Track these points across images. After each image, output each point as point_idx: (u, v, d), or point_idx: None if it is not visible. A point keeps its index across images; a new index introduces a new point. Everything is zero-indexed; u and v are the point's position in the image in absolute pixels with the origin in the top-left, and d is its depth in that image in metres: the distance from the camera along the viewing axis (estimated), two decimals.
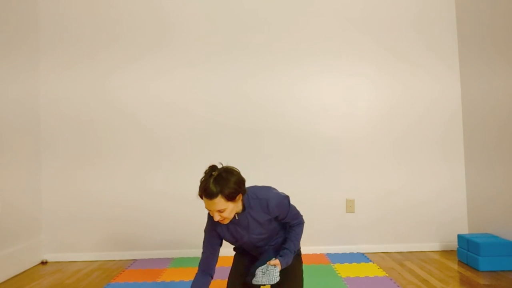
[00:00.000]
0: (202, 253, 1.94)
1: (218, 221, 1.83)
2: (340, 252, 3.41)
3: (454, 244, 3.42)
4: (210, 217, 1.95)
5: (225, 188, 1.70)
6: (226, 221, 1.80)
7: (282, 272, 1.91)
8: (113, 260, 3.34)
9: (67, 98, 3.43)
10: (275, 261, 1.87)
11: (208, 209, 1.76)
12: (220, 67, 3.47)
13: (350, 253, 3.39)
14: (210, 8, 3.49)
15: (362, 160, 3.47)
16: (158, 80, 3.46)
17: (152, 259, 3.34)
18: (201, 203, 3.36)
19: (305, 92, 3.48)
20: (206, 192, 1.70)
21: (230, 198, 1.72)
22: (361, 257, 3.23)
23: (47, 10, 3.45)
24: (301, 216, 2.01)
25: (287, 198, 1.93)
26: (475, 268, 2.85)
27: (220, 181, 1.70)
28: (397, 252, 3.39)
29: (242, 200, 1.83)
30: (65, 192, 3.39)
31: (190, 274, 2.86)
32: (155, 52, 3.47)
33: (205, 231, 1.96)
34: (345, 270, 2.87)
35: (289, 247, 1.94)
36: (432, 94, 3.51)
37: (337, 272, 2.84)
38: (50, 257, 3.36)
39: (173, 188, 3.42)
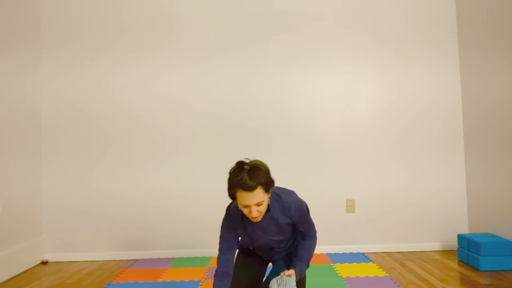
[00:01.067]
0: (219, 252, 1.93)
1: (248, 219, 1.82)
2: (340, 252, 3.41)
3: (454, 244, 3.42)
4: (229, 217, 1.92)
5: (262, 178, 1.69)
6: (260, 218, 1.78)
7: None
8: (114, 260, 3.34)
9: (69, 97, 3.43)
10: (290, 271, 1.83)
11: (245, 205, 1.72)
12: (223, 66, 3.47)
13: (350, 253, 3.39)
14: (214, 8, 3.49)
15: (362, 160, 3.47)
16: (161, 79, 3.45)
17: (152, 259, 3.34)
18: (201, 203, 3.40)
19: (306, 91, 3.48)
20: (245, 185, 1.66)
21: (267, 188, 1.73)
22: (362, 257, 3.23)
23: (49, 8, 3.45)
24: (316, 230, 2.01)
25: (306, 205, 1.96)
26: (475, 268, 2.85)
27: (255, 173, 1.69)
28: (398, 252, 3.39)
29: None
30: (66, 191, 3.40)
31: (190, 274, 2.86)
32: (158, 51, 3.46)
33: (222, 229, 1.93)
34: (345, 270, 2.87)
35: (304, 259, 1.93)
36: (432, 92, 3.50)
37: (337, 272, 2.84)
38: (50, 257, 3.37)
39: (175, 188, 3.42)
